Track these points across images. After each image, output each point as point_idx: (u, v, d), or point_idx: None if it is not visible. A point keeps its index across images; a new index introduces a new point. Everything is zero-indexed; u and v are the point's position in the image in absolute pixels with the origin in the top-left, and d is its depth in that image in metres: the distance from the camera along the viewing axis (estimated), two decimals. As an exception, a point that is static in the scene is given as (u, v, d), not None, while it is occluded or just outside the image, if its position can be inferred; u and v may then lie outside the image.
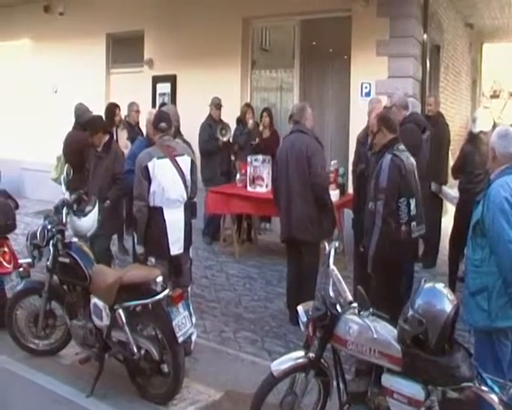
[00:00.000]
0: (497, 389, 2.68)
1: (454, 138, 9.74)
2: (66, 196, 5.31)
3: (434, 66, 9.18)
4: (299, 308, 3.26)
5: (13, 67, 11.57)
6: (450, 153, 7.40)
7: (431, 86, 8.77)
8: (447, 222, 6.85)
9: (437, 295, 2.87)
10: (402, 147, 4.18)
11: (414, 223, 4.03)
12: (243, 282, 6.55)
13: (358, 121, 7.01)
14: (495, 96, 17.14)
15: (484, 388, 2.69)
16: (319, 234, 5.11)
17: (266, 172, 7.02)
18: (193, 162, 4.74)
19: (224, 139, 7.87)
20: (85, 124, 6.14)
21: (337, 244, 3.35)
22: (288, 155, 5.16)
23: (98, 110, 6.94)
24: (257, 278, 6.67)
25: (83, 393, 4.06)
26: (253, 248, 7.95)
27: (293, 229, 5.14)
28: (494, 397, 2.65)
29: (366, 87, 7.62)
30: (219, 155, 7.96)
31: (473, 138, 5.89)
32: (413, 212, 4.02)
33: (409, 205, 4.00)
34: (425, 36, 7.89)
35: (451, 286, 5.33)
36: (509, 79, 17.07)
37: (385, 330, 2.96)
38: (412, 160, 4.19)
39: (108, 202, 5.54)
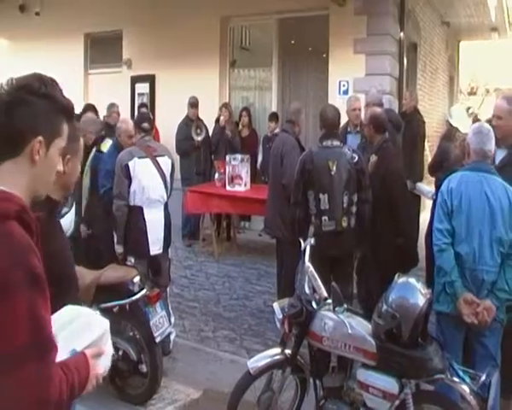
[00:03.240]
0: (468, 379, 2.74)
1: (432, 135, 9.88)
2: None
3: (411, 63, 9.28)
4: (275, 306, 3.28)
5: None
6: (427, 149, 7.48)
7: (408, 83, 8.85)
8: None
9: (410, 290, 2.92)
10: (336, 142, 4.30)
11: (325, 217, 4.14)
12: (222, 281, 6.56)
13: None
14: (472, 92, 17.39)
15: (455, 379, 2.74)
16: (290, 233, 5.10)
17: (245, 171, 7.04)
18: (173, 164, 4.79)
19: (199, 139, 7.85)
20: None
21: (312, 241, 3.37)
22: (272, 153, 5.29)
23: (76, 110, 6.87)
24: (236, 277, 6.68)
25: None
26: (232, 247, 7.95)
27: (268, 226, 5.20)
28: (465, 388, 2.70)
29: (344, 85, 7.68)
30: (195, 154, 7.95)
31: (449, 135, 5.96)
32: (323, 206, 4.13)
33: (318, 199, 4.12)
34: (402, 34, 7.97)
35: (429, 281, 5.39)
36: (485, 76, 17.32)
37: (359, 326, 3.00)
38: (351, 157, 4.25)
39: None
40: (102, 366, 1.64)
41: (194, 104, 8.06)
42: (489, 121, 4.17)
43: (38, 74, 1.49)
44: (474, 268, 3.16)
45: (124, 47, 9.75)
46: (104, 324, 1.71)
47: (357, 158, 4.25)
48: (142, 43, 9.42)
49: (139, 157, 4.47)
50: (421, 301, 2.84)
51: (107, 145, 5.33)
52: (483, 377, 2.70)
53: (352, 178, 4.21)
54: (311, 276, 3.15)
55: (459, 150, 4.35)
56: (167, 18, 8.92)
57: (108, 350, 1.69)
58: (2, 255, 1.32)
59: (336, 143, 4.29)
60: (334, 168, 4.16)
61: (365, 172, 4.32)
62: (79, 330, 1.58)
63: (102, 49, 10.30)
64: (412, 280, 2.99)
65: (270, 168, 5.31)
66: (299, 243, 3.46)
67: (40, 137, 1.45)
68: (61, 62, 10.03)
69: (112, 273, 4.09)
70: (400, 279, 2.97)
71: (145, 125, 4.60)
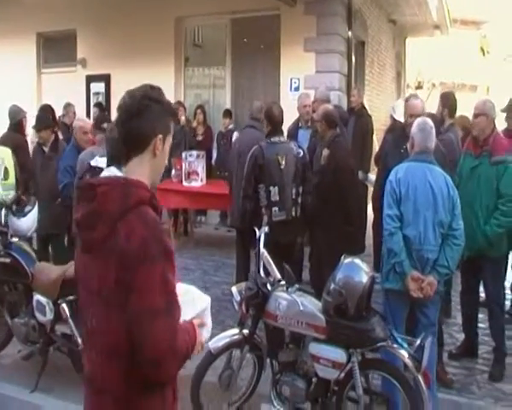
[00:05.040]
0: (406, 345, 3.07)
1: (381, 128, 10.30)
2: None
3: (360, 60, 9.70)
4: (233, 289, 3.54)
5: None
6: (375, 141, 7.87)
7: (357, 80, 9.25)
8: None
9: (354, 269, 3.24)
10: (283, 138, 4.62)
11: (275, 208, 4.46)
12: (181, 273, 6.58)
13: (289, 114, 7.36)
14: (419, 87, 18.05)
15: (395, 346, 3.07)
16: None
17: (201, 167, 7.27)
18: None
19: None
20: (21, 121, 6.18)
21: (266, 230, 3.65)
22: (239, 148, 5.49)
23: (30, 110, 6.92)
24: (194, 270, 6.89)
25: (26, 389, 4.14)
26: (189, 241, 8.15)
27: (234, 217, 5.45)
28: (403, 352, 3.04)
29: (295, 82, 8.00)
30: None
31: (392, 128, 6.34)
32: (274, 198, 4.45)
33: (268, 191, 4.42)
34: (350, 33, 8.36)
35: (377, 265, 5.76)
36: (431, 71, 18.03)
37: (311, 304, 3.30)
38: (297, 152, 4.58)
39: (60, 199, 5.58)
40: (204, 335, 1.92)
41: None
42: (430, 115, 4.58)
43: (149, 84, 1.80)
44: (420, 249, 3.51)
45: (78, 46, 9.78)
46: (206, 300, 1.97)
47: (302, 153, 4.57)
48: (96, 43, 9.47)
49: (100, 156, 4.63)
50: (364, 278, 3.17)
51: None
52: (417, 342, 3.05)
53: (298, 171, 4.54)
54: (265, 261, 3.42)
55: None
56: (122, 17, 9.01)
57: (209, 323, 1.96)
58: (143, 233, 1.63)
59: (283, 139, 4.63)
60: (284, 162, 4.46)
61: (308, 165, 4.65)
62: (187, 304, 1.84)
63: (56, 49, 10.30)
64: (357, 260, 3.31)
65: (235, 162, 5.44)
66: (254, 231, 3.73)
67: (160, 136, 1.77)
68: (14, 62, 9.99)
69: (76, 267, 4.26)
70: (346, 260, 3.28)
71: (105, 125, 4.79)
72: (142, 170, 1.77)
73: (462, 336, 4.74)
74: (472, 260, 4.22)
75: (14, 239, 4.64)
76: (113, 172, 1.79)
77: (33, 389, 4.13)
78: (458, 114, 5.66)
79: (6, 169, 5.88)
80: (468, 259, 4.13)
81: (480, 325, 4.69)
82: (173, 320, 1.66)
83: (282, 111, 4.71)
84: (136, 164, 1.77)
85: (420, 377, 3.01)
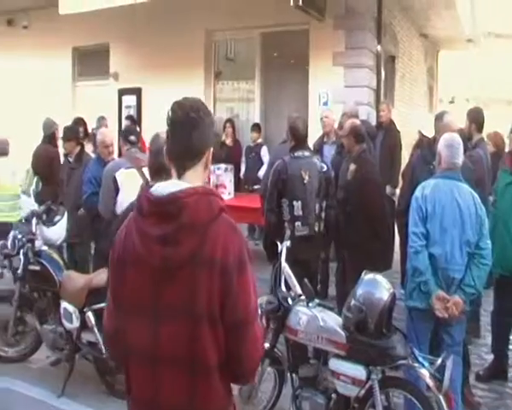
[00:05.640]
0: (427, 364, 3.03)
1: (411, 143, 10.20)
2: (36, 207, 5.50)
3: (390, 75, 9.65)
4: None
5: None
6: (404, 157, 7.80)
7: (386, 95, 9.20)
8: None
9: (375, 285, 3.23)
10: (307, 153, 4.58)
11: (298, 223, 4.43)
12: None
13: (317, 129, 7.39)
14: (452, 102, 17.82)
15: (416, 364, 3.03)
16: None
17: (228, 180, 7.33)
18: None
19: None
20: (54, 133, 6.37)
21: (288, 244, 3.66)
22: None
23: (64, 123, 7.12)
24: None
25: (54, 394, 4.24)
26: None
27: None
28: (424, 371, 3.00)
29: (324, 97, 8.01)
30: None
31: (420, 144, 6.28)
32: (297, 213, 4.43)
33: (291, 206, 4.41)
34: (379, 47, 8.33)
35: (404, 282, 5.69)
36: (465, 85, 17.78)
37: (331, 319, 3.29)
38: (320, 166, 4.57)
39: (82, 210, 5.72)
40: None
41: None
42: (458, 130, 4.50)
43: (198, 98, 1.82)
44: (446, 267, 3.46)
45: (111, 60, 10.02)
46: None
47: (325, 168, 4.57)
48: (128, 57, 9.69)
49: (126, 168, 4.71)
50: (385, 295, 3.15)
51: None
52: (439, 361, 3.00)
53: (322, 186, 4.53)
54: (286, 275, 3.44)
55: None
56: (153, 32, 9.18)
57: None
58: (235, 240, 1.68)
59: (307, 153, 4.60)
60: (307, 177, 4.46)
61: (332, 180, 4.65)
62: None
63: (90, 62, 10.56)
64: (378, 277, 3.29)
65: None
66: (276, 245, 3.75)
67: (211, 148, 1.80)
68: (50, 75, 10.29)
69: (103, 277, 4.33)
70: (367, 276, 3.26)
71: (132, 137, 4.86)
72: (196, 182, 1.74)
73: (490, 358, 4.62)
74: (506, 280, 4.12)
75: (44, 247, 4.77)
76: (178, 184, 1.72)
77: (60, 395, 4.22)
78: (493, 129, 5.59)
79: (38, 179, 6.09)
80: (501, 277, 4.03)
81: (511, 346, 4.58)
82: (259, 323, 1.75)
83: (305, 126, 4.72)
84: (191, 176, 1.74)
85: (442, 398, 2.96)
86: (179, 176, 1.74)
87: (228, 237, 1.65)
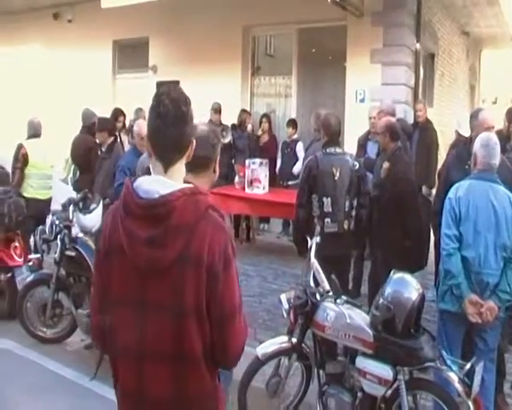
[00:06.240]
0: (455, 367, 2.99)
1: (449, 143, 10.00)
2: (73, 194, 5.67)
3: (429, 73, 9.49)
4: (282, 297, 3.57)
5: (22, 72, 11.95)
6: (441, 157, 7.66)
7: (425, 93, 9.05)
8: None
9: (404, 285, 3.19)
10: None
11: (328, 219, 4.40)
12: (240, 279, 6.74)
13: (353, 126, 7.35)
14: (495, 102, 17.35)
15: (444, 367, 2.99)
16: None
17: (263, 175, 7.33)
18: None
19: (225, 141, 8.15)
20: (94, 123, 6.52)
21: (318, 239, 3.66)
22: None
23: (104, 114, 7.29)
24: (254, 276, 6.96)
25: (87, 376, 4.36)
26: (251, 247, 8.25)
27: None
28: (452, 375, 2.96)
29: (360, 94, 7.94)
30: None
31: (457, 143, 6.14)
32: (327, 209, 4.40)
33: (321, 202, 4.38)
34: (418, 45, 8.19)
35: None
36: (509, 84, 17.28)
37: (358, 317, 3.28)
38: (352, 164, 4.52)
39: (108, 200, 5.85)
40: None
41: (217, 110, 8.40)
42: (496, 131, 4.40)
43: (178, 86, 1.85)
44: (480, 271, 3.37)
45: (150, 53, 10.17)
46: None
47: (357, 165, 4.54)
48: (167, 50, 9.81)
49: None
50: (413, 295, 3.12)
51: None
52: (468, 366, 2.95)
53: (353, 183, 4.48)
54: (315, 270, 3.44)
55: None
56: (191, 25, 9.26)
57: None
58: (221, 237, 1.68)
59: (339, 150, 4.56)
60: (338, 174, 4.42)
61: (364, 178, 4.60)
62: None
63: (130, 55, 10.75)
64: (407, 276, 3.26)
65: None
66: (306, 240, 3.75)
67: (194, 140, 1.78)
68: (91, 68, 10.54)
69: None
70: (395, 275, 3.24)
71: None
72: (180, 174, 1.76)
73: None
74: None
75: (80, 234, 4.91)
76: (165, 182, 1.69)
77: (92, 377, 4.32)
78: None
79: (76, 168, 6.25)
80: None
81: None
82: (242, 317, 1.76)
83: (338, 122, 4.66)
84: (177, 169, 1.74)
85: (470, 404, 2.91)
86: (166, 170, 1.72)
87: (214, 234, 1.65)
